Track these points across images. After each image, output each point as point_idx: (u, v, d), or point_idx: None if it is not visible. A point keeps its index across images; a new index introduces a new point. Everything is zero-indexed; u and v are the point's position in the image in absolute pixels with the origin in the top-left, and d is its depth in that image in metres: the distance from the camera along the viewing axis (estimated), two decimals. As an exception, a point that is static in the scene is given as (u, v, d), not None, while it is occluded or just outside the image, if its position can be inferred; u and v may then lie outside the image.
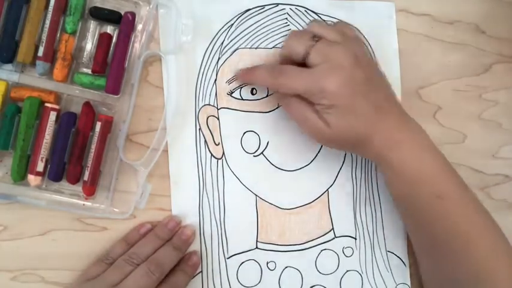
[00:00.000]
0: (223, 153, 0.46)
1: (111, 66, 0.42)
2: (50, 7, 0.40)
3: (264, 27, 0.47)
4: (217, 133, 0.46)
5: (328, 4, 0.48)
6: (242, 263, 0.46)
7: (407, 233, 0.49)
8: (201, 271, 0.45)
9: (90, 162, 0.42)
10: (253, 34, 0.47)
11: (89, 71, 0.42)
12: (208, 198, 0.46)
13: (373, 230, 0.49)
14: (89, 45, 0.43)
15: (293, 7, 0.48)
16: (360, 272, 0.49)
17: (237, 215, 0.46)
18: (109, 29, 0.43)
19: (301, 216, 0.48)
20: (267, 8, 0.47)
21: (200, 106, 0.46)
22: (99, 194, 0.43)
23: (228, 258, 0.46)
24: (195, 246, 0.45)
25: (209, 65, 0.46)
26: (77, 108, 0.42)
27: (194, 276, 0.45)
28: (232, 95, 0.46)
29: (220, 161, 0.46)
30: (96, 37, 0.43)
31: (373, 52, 0.49)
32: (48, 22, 0.40)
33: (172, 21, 0.44)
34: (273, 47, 0.47)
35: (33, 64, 0.41)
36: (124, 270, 0.40)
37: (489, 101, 0.53)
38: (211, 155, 0.46)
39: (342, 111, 0.39)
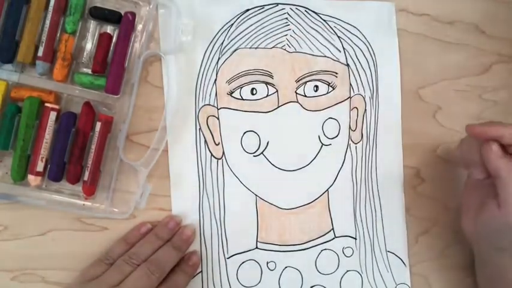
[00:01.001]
0: (223, 153, 0.46)
1: (111, 66, 0.42)
2: (50, 7, 0.40)
3: (264, 27, 0.47)
4: (217, 133, 0.46)
5: (328, 4, 0.48)
6: (242, 263, 0.46)
7: (407, 233, 0.49)
8: (201, 271, 0.45)
9: (90, 162, 0.42)
10: (253, 34, 0.47)
11: (89, 71, 0.42)
12: (208, 198, 0.46)
13: (373, 230, 0.49)
14: (89, 45, 0.43)
15: (293, 7, 0.48)
16: (360, 272, 0.49)
17: (237, 215, 0.46)
18: (109, 29, 0.43)
19: (301, 216, 0.48)
20: (266, 8, 0.47)
21: (200, 106, 0.46)
22: (99, 194, 0.43)
23: (228, 258, 0.46)
24: (195, 246, 0.45)
25: (209, 65, 0.46)
26: (77, 108, 0.42)
27: (194, 276, 0.45)
28: (232, 95, 0.46)
29: (220, 161, 0.46)
30: (96, 37, 0.43)
31: (374, 52, 0.49)
32: (48, 22, 0.40)
33: (172, 21, 0.44)
34: (273, 47, 0.47)
35: (33, 64, 0.41)
36: (124, 271, 0.40)
37: (489, 101, 0.53)
38: (211, 155, 0.46)
39: None
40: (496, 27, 0.53)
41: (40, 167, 0.41)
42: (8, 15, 0.40)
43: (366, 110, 0.49)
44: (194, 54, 0.46)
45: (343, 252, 0.49)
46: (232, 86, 0.46)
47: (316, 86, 0.48)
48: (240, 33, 0.46)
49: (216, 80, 0.46)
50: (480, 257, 0.45)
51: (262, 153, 0.47)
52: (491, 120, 0.46)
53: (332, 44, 0.48)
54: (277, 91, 0.47)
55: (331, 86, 0.48)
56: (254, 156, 0.47)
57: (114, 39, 0.43)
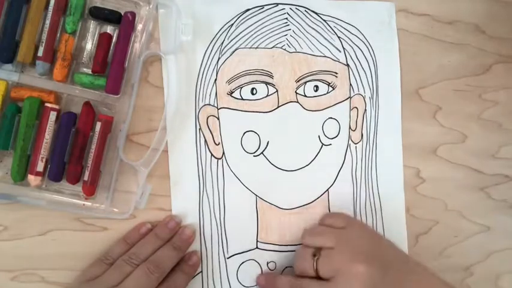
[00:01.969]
0: (223, 153, 0.46)
1: (111, 66, 0.42)
2: (50, 7, 0.40)
3: (264, 27, 0.47)
4: (217, 133, 0.46)
5: (328, 4, 0.48)
6: (242, 263, 0.46)
7: (407, 233, 0.49)
8: (201, 271, 0.45)
9: (90, 162, 0.42)
10: (253, 34, 0.47)
11: (89, 71, 0.42)
12: (208, 198, 0.46)
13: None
14: (89, 45, 0.43)
15: (293, 7, 0.48)
16: (360, 272, 0.49)
17: (237, 215, 0.46)
18: (109, 29, 0.43)
19: (301, 216, 0.48)
20: (266, 7, 0.47)
21: (200, 106, 0.46)
22: (99, 194, 0.43)
23: (228, 258, 0.46)
24: (195, 246, 0.45)
25: (209, 65, 0.46)
26: (77, 108, 0.42)
27: (194, 276, 0.45)
28: (232, 95, 0.46)
29: (220, 161, 0.46)
30: (96, 37, 0.43)
31: (374, 52, 0.49)
32: (48, 22, 0.40)
33: (172, 21, 0.44)
34: (273, 46, 0.47)
35: (33, 64, 0.41)
36: (124, 271, 0.40)
37: (489, 101, 0.53)
38: (211, 155, 0.46)
39: None
40: (496, 27, 0.53)
41: (40, 167, 0.41)
42: (8, 15, 0.40)
43: (366, 110, 0.49)
44: (194, 54, 0.46)
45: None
46: (232, 86, 0.46)
47: (316, 86, 0.48)
48: (240, 33, 0.46)
49: (216, 80, 0.46)
50: None
51: (262, 153, 0.47)
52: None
53: (332, 44, 0.48)
54: (277, 91, 0.47)
55: (331, 86, 0.48)
56: (254, 156, 0.47)
57: (114, 39, 0.43)
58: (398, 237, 0.50)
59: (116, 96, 0.42)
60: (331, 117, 0.48)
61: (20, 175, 0.41)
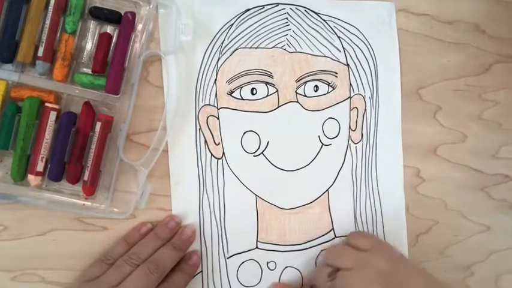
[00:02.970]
0: (223, 153, 0.46)
1: (111, 66, 0.42)
2: (50, 7, 0.40)
3: (264, 27, 0.47)
4: (217, 133, 0.46)
5: (328, 4, 0.48)
6: (242, 262, 0.46)
7: (407, 233, 0.49)
8: (201, 271, 0.45)
9: (90, 162, 0.42)
10: (253, 34, 0.47)
11: (89, 71, 0.42)
12: (208, 198, 0.46)
13: (373, 230, 0.49)
14: (89, 45, 0.43)
15: (293, 7, 0.48)
16: (360, 272, 0.49)
17: (237, 215, 0.46)
18: (109, 29, 0.43)
19: (301, 216, 0.48)
20: (267, 7, 0.47)
21: (200, 106, 0.46)
22: (99, 194, 0.43)
23: (228, 258, 0.46)
24: (195, 246, 0.45)
25: (209, 65, 0.46)
26: (77, 108, 0.42)
27: (194, 276, 0.45)
28: (232, 94, 0.46)
29: (220, 161, 0.46)
30: (96, 37, 0.43)
31: (373, 52, 0.49)
32: (48, 22, 0.40)
33: (172, 21, 0.44)
34: (273, 46, 0.47)
35: (33, 64, 0.41)
36: (124, 271, 0.40)
37: (489, 101, 0.53)
38: (211, 155, 0.46)
39: None
40: (496, 27, 0.53)
41: (40, 167, 0.41)
42: (8, 15, 0.40)
43: (366, 110, 0.49)
44: (194, 54, 0.46)
45: (343, 252, 0.49)
46: (232, 85, 0.46)
47: (316, 86, 0.48)
48: (240, 33, 0.46)
49: (216, 79, 0.46)
50: None
51: (262, 153, 0.47)
52: None
53: (332, 44, 0.48)
54: (277, 91, 0.47)
55: (331, 86, 0.48)
56: (254, 156, 0.47)
57: (114, 39, 0.43)
58: (398, 237, 0.50)
59: (116, 96, 0.42)
60: (331, 117, 0.48)
61: (20, 175, 0.41)
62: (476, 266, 0.53)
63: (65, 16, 0.41)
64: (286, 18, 0.47)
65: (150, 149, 0.44)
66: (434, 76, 0.52)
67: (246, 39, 0.46)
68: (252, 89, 0.46)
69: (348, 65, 0.49)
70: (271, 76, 0.47)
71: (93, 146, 0.42)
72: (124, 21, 0.42)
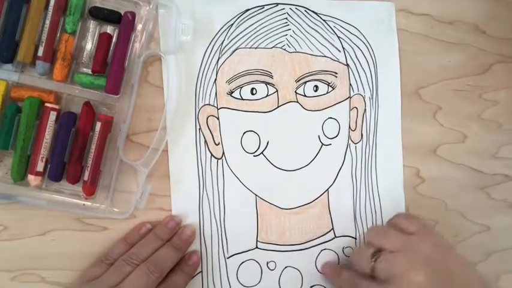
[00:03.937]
0: (223, 153, 0.46)
1: (111, 66, 0.42)
2: (50, 7, 0.40)
3: (263, 27, 0.47)
4: (217, 133, 0.46)
5: (328, 4, 0.48)
6: (242, 262, 0.46)
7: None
8: (201, 271, 0.45)
9: (90, 162, 0.42)
10: (253, 34, 0.47)
11: (89, 71, 0.42)
12: (208, 198, 0.46)
13: (373, 230, 0.49)
14: (89, 45, 0.43)
15: (293, 7, 0.48)
16: (360, 272, 0.49)
17: (237, 215, 0.46)
18: (109, 29, 0.43)
19: (301, 216, 0.48)
20: (266, 7, 0.47)
21: (200, 106, 0.46)
22: (99, 194, 0.43)
23: (228, 258, 0.46)
24: (195, 246, 0.45)
25: (209, 65, 0.46)
26: (77, 108, 0.42)
27: (194, 276, 0.45)
28: (232, 94, 0.46)
29: (220, 161, 0.46)
30: (96, 37, 0.43)
31: (373, 52, 0.49)
32: (48, 22, 0.40)
33: (172, 21, 0.44)
34: (273, 47, 0.47)
35: (33, 64, 0.41)
36: (123, 271, 0.40)
37: (489, 101, 0.53)
38: (211, 155, 0.46)
39: None
40: (496, 27, 0.53)
41: (40, 167, 0.41)
42: (8, 15, 0.40)
43: (365, 109, 0.49)
44: (194, 54, 0.46)
45: (343, 252, 0.49)
46: (232, 85, 0.46)
47: (316, 86, 0.48)
48: (240, 33, 0.46)
49: (216, 79, 0.46)
50: None
51: (262, 153, 0.47)
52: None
53: (332, 44, 0.48)
54: (277, 91, 0.47)
55: (331, 86, 0.48)
56: (254, 156, 0.47)
57: (114, 39, 0.43)
58: (398, 237, 0.50)
59: (115, 96, 0.42)
60: (331, 117, 0.48)
61: (20, 175, 0.41)
62: (476, 266, 0.53)
63: (65, 16, 0.41)
64: (286, 18, 0.47)
65: (150, 149, 0.44)
66: (434, 76, 0.52)
67: (246, 39, 0.46)
68: (252, 89, 0.46)
69: (347, 65, 0.49)
70: (271, 76, 0.47)
71: (93, 146, 0.42)
72: (124, 21, 0.42)
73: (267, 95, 0.47)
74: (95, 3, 0.42)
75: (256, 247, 0.47)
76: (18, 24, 0.40)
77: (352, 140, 0.49)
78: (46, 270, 0.43)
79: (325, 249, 0.48)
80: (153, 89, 0.45)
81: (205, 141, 0.46)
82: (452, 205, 0.52)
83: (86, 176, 0.42)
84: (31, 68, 0.41)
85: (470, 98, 0.53)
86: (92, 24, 0.43)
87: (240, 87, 0.46)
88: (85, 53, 0.43)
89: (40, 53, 0.40)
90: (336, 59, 0.48)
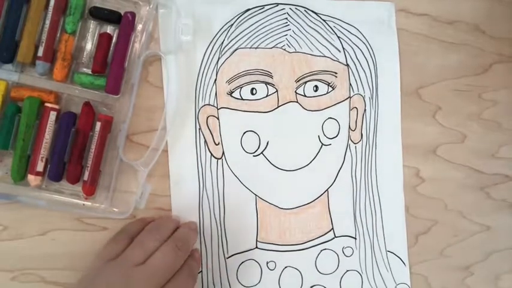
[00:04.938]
0: (223, 153, 0.46)
1: (111, 66, 0.42)
2: (50, 7, 0.40)
3: (263, 27, 0.47)
4: (217, 133, 0.46)
5: (328, 4, 0.48)
6: (242, 262, 0.46)
7: (407, 233, 0.49)
8: (201, 271, 0.45)
9: (90, 162, 0.42)
10: (253, 34, 0.47)
11: (89, 71, 0.42)
12: (208, 198, 0.46)
13: (373, 230, 0.49)
14: (89, 45, 0.43)
15: (293, 7, 0.48)
16: (360, 272, 0.49)
17: (237, 215, 0.46)
18: (109, 29, 0.43)
19: (301, 216, 0.48)
20: (266, 7, 0.47)
21: (200, 106, 0.46)
22: (99, 194, 0.43)
23: (227, 258, 0.46)
24: (194, 246, 0.45)
25: (209, 65, 0.46)
26: (77, 108, 0.42)
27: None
28: (232, 95, 0.46)
29: (220, 161, 0.46)
30: (96, 37, 0.43)
31: (373, 52, 0.49)
32: (48, 22, 0.40)
33: (172, 21, 0.44)
34: (273, 47, 0.47)
35: (33, 64, 0.41)
36: (147, 247, 0.39)
37: (489, 101, 0.53)
38: (211, 155, 0.46)
39: None
40: (496, 27, 0.53)
41: (40, 167, 0.41)
42: (8, 15, 0.40)
43: (365, 110, 0.49)
44: (194, 54, 0.46)
45: (343, 252, 0.49)
46: (232, 86, 0.46)
47: (316, 86, 0.48)
48: (240, 33, 0.46)
49: (216, 79, 0.46)
50: None
51: (262, 153, 0.47)
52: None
53: (332, 44, 0.48)
54: (277, 91, 0.47)
55: (331, 86, 0.48)
56: (254, 156, 0.47)
57: (114, 39, 0.43)
58: (398, 237, 0.50)
59: (115, 96, 0.42)
60: (330, 117, 0.48)
61: (20, 175, 0.41)
62: (476, 266, 0.53)
63: (65, 16, 0.41)
64: (286, 18, 0.47)
65: (150, 149, 0.44)
66: (434, 76, 0.52)
67: (246, 39, 0.47)
68: (252, 89, 0.46)
69: (347, 65, 0.49)
70: (271, 76, 0.47)
71: (93, 146, 0.42)
72: (124, 21, 0.42)
73: (267, 95, 0.47)
74: (95, 3, 0.42)
75: (256, 247, 0.47)
76: (18, 24, 0.40)
77: (352, 140, 0.49)
78: (46, 270, 0.43)
79: (325, 249, 0.48)
80: (153, 89, 0.45)
81: (205, 141, 0.46)
82: (452, 205, 0.52)
83: (86, 176, 0.42)
84: (31, 68, 0.41)
85: (470, 98, 0.53)
86: (92, 24, 0.43)
87: (240, 87, 0.46)
88: (85, 53, 0.43)
89: (40, 53, 0.40)
90: (336, 59, 0.48)
